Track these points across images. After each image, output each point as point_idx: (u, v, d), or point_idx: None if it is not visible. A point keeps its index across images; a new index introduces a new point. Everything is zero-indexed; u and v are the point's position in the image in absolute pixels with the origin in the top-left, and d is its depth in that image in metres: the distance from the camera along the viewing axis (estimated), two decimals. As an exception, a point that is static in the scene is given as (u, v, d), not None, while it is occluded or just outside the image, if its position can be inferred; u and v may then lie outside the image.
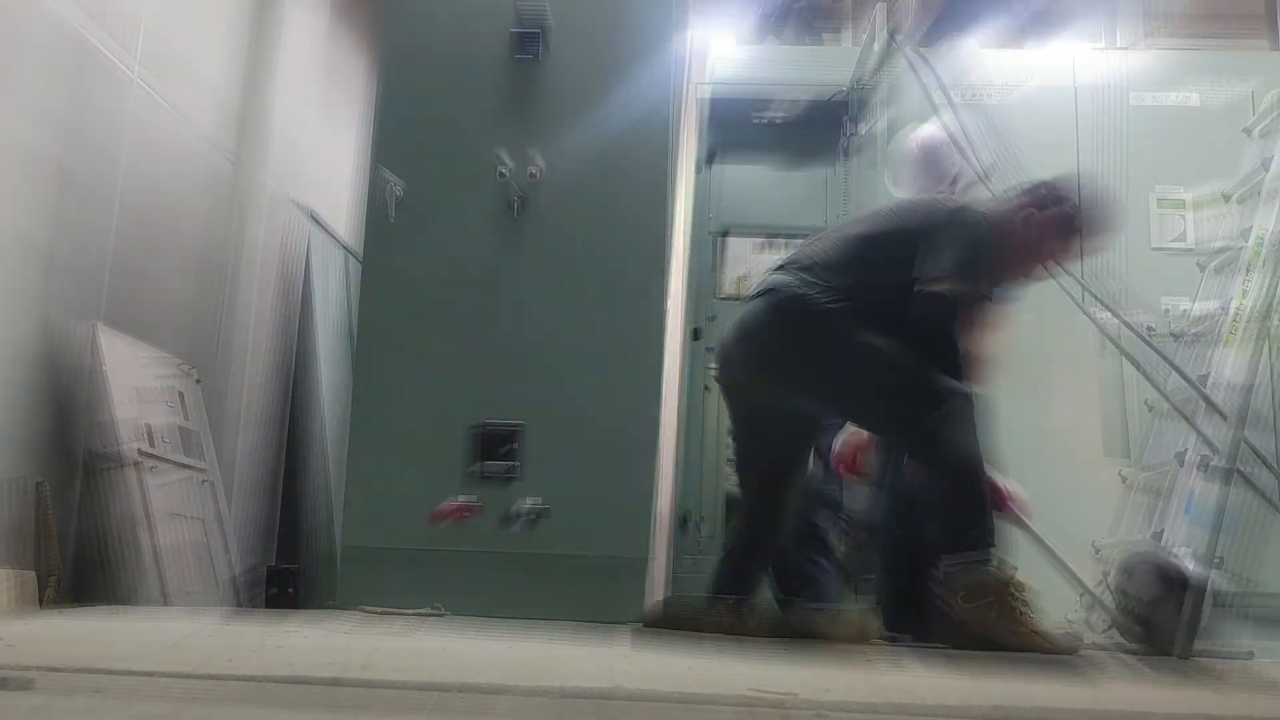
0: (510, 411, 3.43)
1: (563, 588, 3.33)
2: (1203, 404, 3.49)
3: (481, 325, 3.49)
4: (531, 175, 3.50)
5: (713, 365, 5.31)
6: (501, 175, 3.48)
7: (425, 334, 3.52)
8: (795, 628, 2.96)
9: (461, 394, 3.44)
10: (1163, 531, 3.53)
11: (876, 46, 5.01)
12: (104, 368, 3.93)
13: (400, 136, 3.61)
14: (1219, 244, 4.25)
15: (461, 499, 3.33)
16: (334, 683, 1.70)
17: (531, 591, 3.32)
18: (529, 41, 3.59)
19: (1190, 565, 2.76)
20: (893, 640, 2.94)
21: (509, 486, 3.36)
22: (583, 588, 3.34)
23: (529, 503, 3.35)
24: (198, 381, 4.67)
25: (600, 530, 3.38)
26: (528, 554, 3.34)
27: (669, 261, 3.63)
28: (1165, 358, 3.62)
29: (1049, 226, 3.04)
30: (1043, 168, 4.39)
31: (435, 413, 3.45)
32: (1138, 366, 3.68)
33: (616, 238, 3.52)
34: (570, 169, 3.56)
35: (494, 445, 3.37)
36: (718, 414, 5.26)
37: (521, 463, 3.39)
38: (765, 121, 5.69)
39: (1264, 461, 3.44)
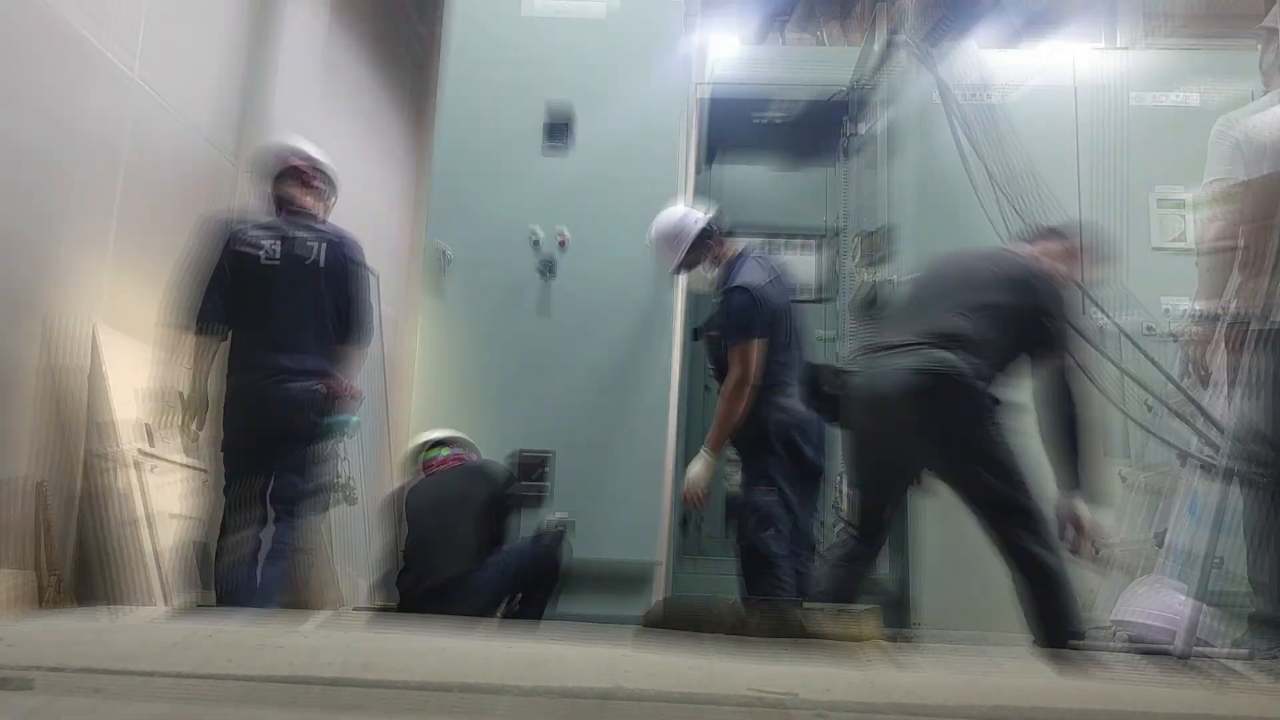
0: (542, 442, 4.05)
1: (583, 588, 3.75)
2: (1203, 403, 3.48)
3: (518, 369, 4.11)
4: (560, 243, 4.17)
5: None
6: (535, 244, 4.17)
7: (472, 378, 4.15)
8: (795, 628, 2.96)
9: (501, 427, 4.05)
10: (1164, 532, 3.52)
11: (876, 46, 5.01)
12: (104, 368, 3.93)
13: (451, 211, 4.29)
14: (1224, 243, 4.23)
15: None
16: (334, 683, 1.70)
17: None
18: (558, 131, 4.30)
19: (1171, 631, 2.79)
20: (894, 640, 2.94)
21: (540, 504, 3.96)
22: (601, 588, 3.79)
23: (557, 516, 3.92)
24: (198, 381, 4.67)
25: (616, 539, 3.93)
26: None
27: (676, 316, 4.22)
28: (1156, 364, 3.61)
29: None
30: (1043, 167, 4.40)
31: (480, 443, 4.01)
32: (1136, 376, 3.68)
33: (632, 296, 4.15)
34: (592, 238, 4.21)
35: (528, 470, 4.00)
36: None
37: (551, 484, 4.01)
38: (765, 121, 5.69)
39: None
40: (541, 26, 4.44)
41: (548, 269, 4.15)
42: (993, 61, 4.94)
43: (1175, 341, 4.06)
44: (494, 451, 4.02)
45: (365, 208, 7.05)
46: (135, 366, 4.19)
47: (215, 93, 4.99)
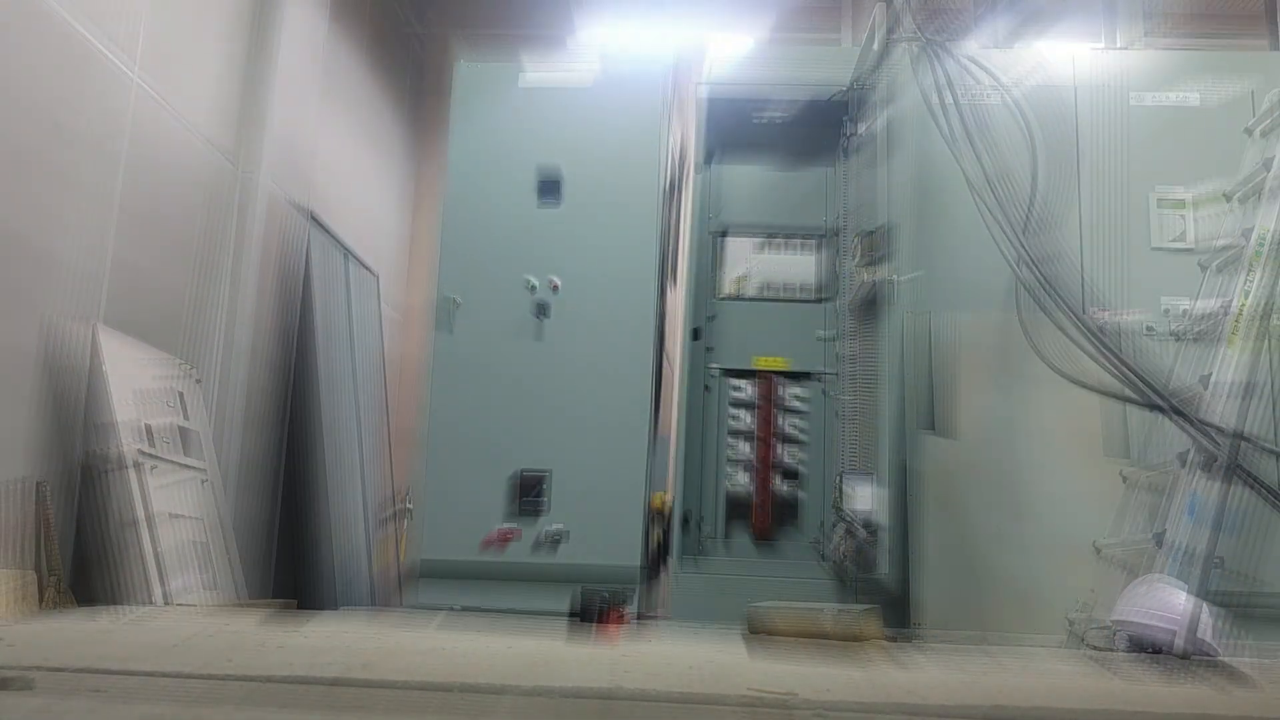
0: (540, 462, 4.55)
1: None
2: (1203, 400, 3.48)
3: (518, 399, 4.62)
4: (553, 288, 4.68)
5: (714, 365, 5.35)
6: (531, 289, 4.68)
7: (478, 406, 4.64)
8: (796, 628, 2.96)
9: (506, 449, 4.57)
10: (1164, 532, 3.52)
11: (876, 46, 5.00)
12: (104, 368, 3.92)
13: (459, 263, 4.84)
14: (1221, 242, 4.23)
15: (505, 526, 4.38)
16: (335, 683, 1.70)
17: (554, 594, 3.99)
18: (549, 188, 4.85)
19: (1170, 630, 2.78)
20: (894, 639, 2.94)
21: (539, 517, 4.45)
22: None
23: (553, 527, 4.39)
24: (198, 381, 4.67)
25: (604, 545, 4.39)
26: (552, 564, 4.36)
27: (652, 356, 4.68)
28: (1137, 373, 3.59)
29: None
30: (1042, 167, 4.39)
31: (486, 463, 4.54)
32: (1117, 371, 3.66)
33: (614, 336, 4.66)
34: (581, 284, 4.72)
35: (529, 487, 4.51)
36: (717, 413, 5.26)
37: (548, 499, 4.50)
38: (765, 121, 5.67)
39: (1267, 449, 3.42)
40: (536, 95, 5.06)
41: (542, 311, 4.69)
42: (993, 61, 4.93)
43: (1178, 341, 4.05)
44: (500, 470, 4.55)
45: (364, 209, 7.05)
46: (135, 367, 4.18)
47: (215, 94, 4.99)
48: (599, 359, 4.65)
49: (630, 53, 5.55)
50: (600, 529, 4.44)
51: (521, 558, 4.40)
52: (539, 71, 5.10)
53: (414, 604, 4.38)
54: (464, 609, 4.25)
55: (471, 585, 4.40)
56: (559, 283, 4.71)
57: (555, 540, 4.38)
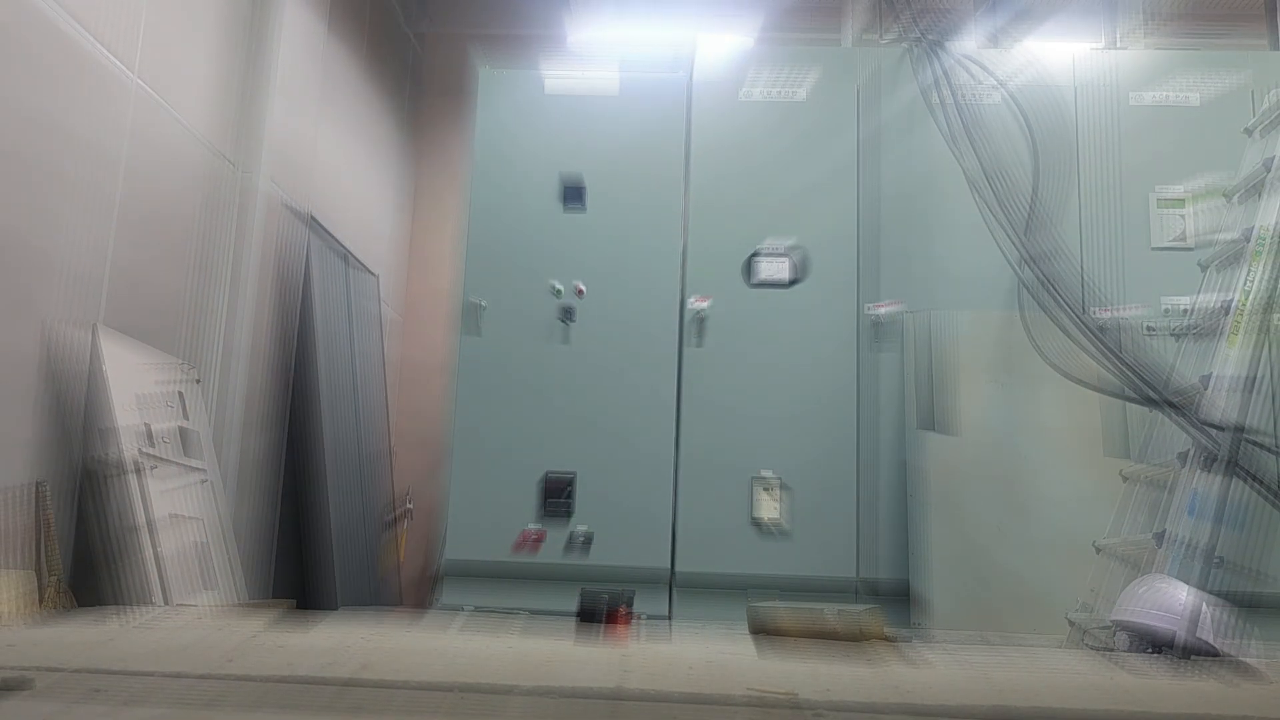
0: (566, 464, 4.65)
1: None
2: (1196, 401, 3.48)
3: (543, 402, 4.74)
4: (578, 293, 4.80)
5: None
6: (556, 294, 4.80)
7: (503, 409, 4.76)
8: (798, 626, 2.95)
9: (531, 451, 4.68)
10: (1165, 531, 3.52)
11: (878, 46, 5.00)
12: (104, 369, 3.92)
13: (484, 267, 4.93)
14: (1222, 237, 4.22)
15: (533, 528, 4.48)
16: (341, 684, 1.69)
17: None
18: (574, 194, 4.95)
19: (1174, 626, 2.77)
20: (896, 638, 2.94)
21: (568, 519, 4.56)
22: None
23: (581, 529, 4.51)
24: (197, 382, 4.67)
25: (632, 547, 4.52)
26: (580, 565, 4.47)
27: (680, 359, 4.74)
28: (1134, 371, 3.59)
29: None
30: (1042, 166, 4.40)
31: (513, 465, 4.66)
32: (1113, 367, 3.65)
33: (639, 341, 4.77)
34: (605, 288, 4.83)
35: (556, 489, 4.61)
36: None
37: (575, 500, 4.61)
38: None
39: (1266, 448, 3.42)
40: (560, 101, 5.12)
41: (567, 315, 4.79)
42: (991, 60, 4.93)
43: (1178, 340, 4.05)
44: (526, 473, 4.64)
45: (363, 210, 7.04)
46: (135, 368, 4.18)
47: (214, 97, 4.98)
48: (624, 362, 4.76)
49: (650, 58, 5.48)
50: (628, 531, 4.54)
51: (554, 559, 4.52)
52: (561, 78, 5.13)
53: (442, 604, 4.51)
54: (476, 609, 4.35)
55: (503, 586, 4.54)
56: (584, 288, 4.81)
57: (586, 541, 4.47)
